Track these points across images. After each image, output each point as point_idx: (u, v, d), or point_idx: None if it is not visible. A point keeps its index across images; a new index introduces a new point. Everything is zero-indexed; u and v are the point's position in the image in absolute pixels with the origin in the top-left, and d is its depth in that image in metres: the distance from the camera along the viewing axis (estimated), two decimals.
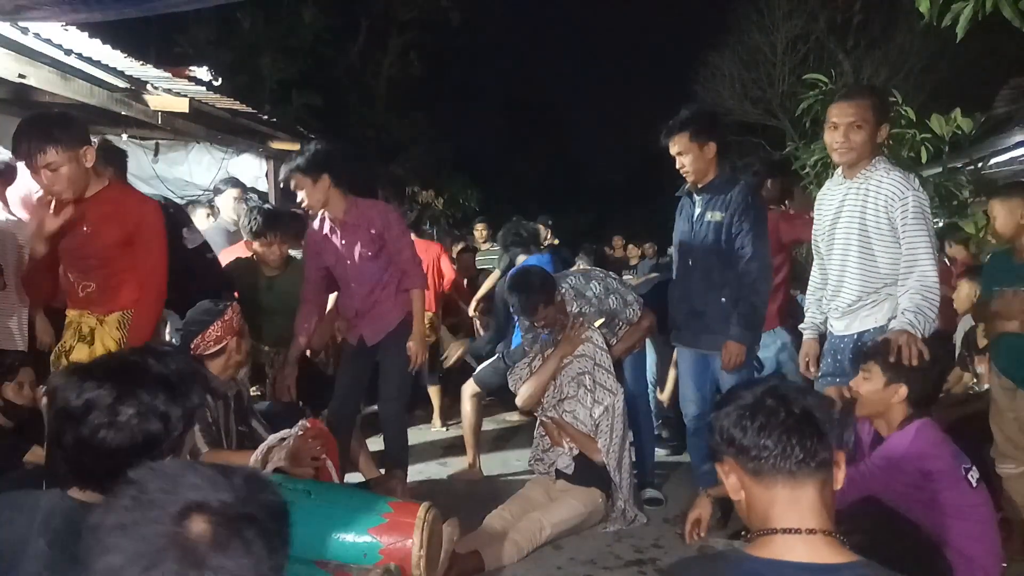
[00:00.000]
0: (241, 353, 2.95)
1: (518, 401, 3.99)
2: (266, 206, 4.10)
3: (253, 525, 0.97)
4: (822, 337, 3.19)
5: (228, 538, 0.95)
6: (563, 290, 3.90)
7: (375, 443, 4.41)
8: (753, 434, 1.29)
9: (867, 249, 2.88)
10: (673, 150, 3.57)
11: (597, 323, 3.88)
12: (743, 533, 3.49)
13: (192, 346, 2.83)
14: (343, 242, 3.68)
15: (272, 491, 1.03)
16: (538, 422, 3.93)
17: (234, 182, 5.03)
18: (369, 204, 3.75)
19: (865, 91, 3.26)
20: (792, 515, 1.27)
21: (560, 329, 3.87)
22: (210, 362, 2.87)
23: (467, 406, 4.51)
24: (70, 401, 1.41)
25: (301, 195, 3.58)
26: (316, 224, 3.75)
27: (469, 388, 4.52)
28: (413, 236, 5.10)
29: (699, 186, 3.61)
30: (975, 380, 4.14)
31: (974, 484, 2.32)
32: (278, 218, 3.86)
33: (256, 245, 3.82)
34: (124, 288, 2.84)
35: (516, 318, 4.38)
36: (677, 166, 3.60)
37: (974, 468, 2.37)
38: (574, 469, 3.71)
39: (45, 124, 2.65)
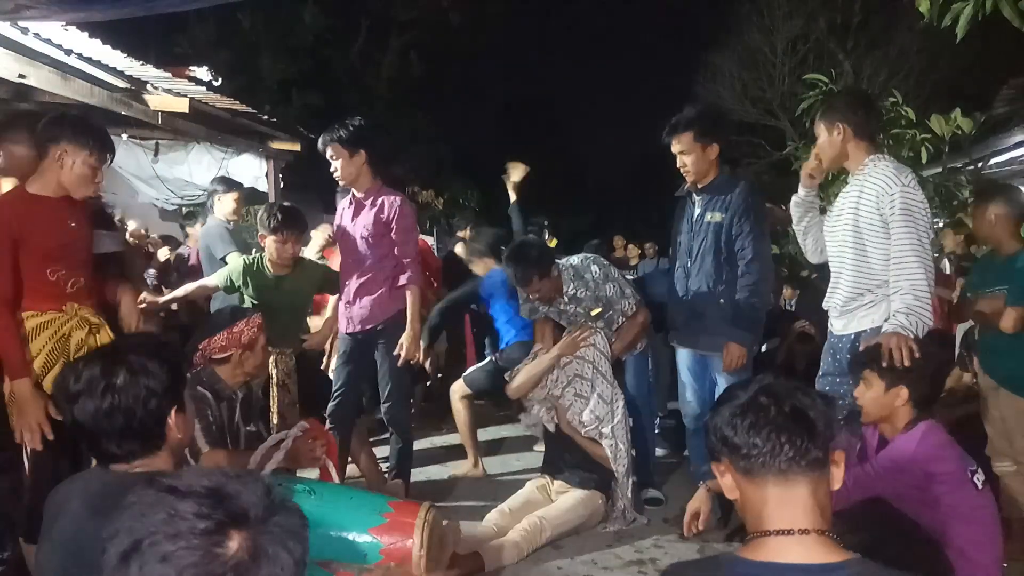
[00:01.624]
0: (247, 366, 2.98)
1: (509, 388, 4.01)
2: (285, 204, 4.11)
3: (278, 538, 0.98)
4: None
5: (259, 553, 0.96)
6: (563, 269, 3.92)
7: (378, 446, 4.42)
8: (743, 432, 1.29)
9: (861, 247, 2.88)
10: (675, 149, 3.54)
11: (595, 312, 3.90)
12: (745, 534, 3.50)
13: (200, 346, 2.92)
14: (354, 218, 3.79)
15: (291, 503, 1.05)
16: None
17: (233, 183, 4.95)
18: (389, 192, 3.80)
19: (835, 98, 3.33)
20: (785, 515, 1.26)
21: (552, 302, 3.95)
22: (218, 366, 2.93)
23: (459, 407, 4.51)
24: (72, 387, 1.61)
25: (335, 165, 3.69)
26: (344, 199, 3.92)
27: (459, 390, 4.53)
28: None
29: (699, 186, 3.59)
30: (975, 380, 4.14)
31: (979, 487, 2.32)
32: (296, 216, 3.88)
33: (271, 240, 3.81)
34: (97, 281, 2.99)
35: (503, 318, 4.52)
36: (678, 165, 3.58)
37: (979, 470, 2.36)
38: (573, 471, 3.73)
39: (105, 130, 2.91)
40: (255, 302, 3.77)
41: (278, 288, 3.85)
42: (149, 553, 0.94)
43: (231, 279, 3.87)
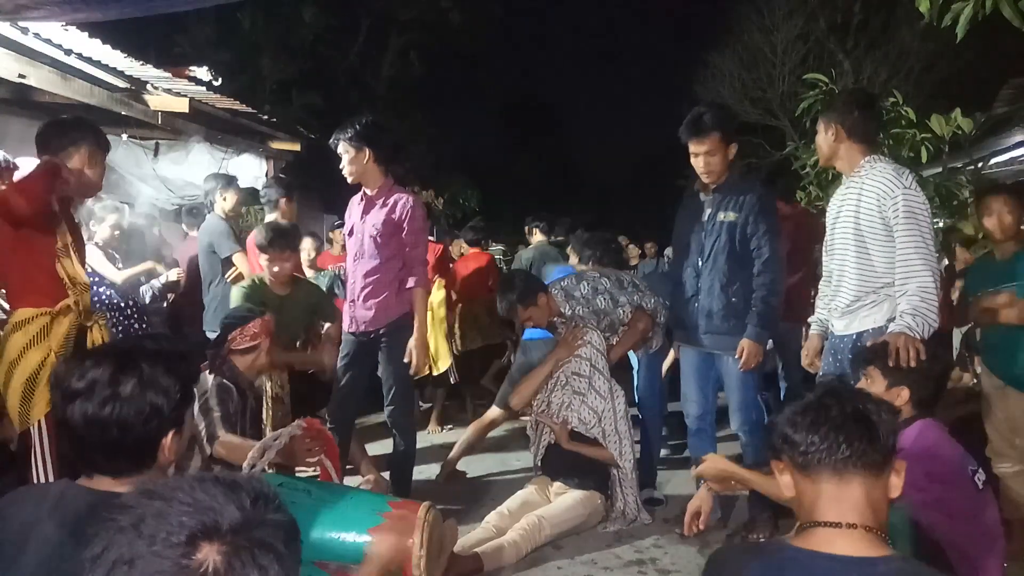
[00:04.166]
0: (266, 358, 3.09)
1: (512, 401, 4.06)
2: (279, 223, 4.10)
3: (266, 550, 0.92)
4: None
5: (243, 567, 0.89)
6: (555, 292, 4.00)
7: (380, 447, 4.41)
8: (803, 429, 1.35)
9: (863, 248, 2.88)
10: (700, 149, 3.45)
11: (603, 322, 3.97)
12: (746, 534, 3.50)
13: (229, 337, 3.01)
14: (364, 216, 3.75)
15: (281, 508, 0.98)
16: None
17: (229, 179, 4.92)
18: (401, 192, 3.77)
19: (836, 97, 3.33)
20: (836, 510, 1.31)
21: (553, 328, 4.03)
22: (239, 358, 3.02)
23: (491, 417, 4.56)
24: (73, 384, 1.44)
25: (344, 160, 3.70)
26: (357, 196, 3.90)
27: (498, 412, 4.57)
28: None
29: (712, 186, 3.55)
30: (975, 380, 4.14)
31: (980, 486, 2.31)
32: (285, 235, 3.82)
33: (263, 259, 3.79)
34: None
35: None
36: (701, 165, 3.49)
37: (981, 470, 2.36)
38: (572, 472, 3.73)
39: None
40: None
41: (282, 308, 3.76)
42: (112, 556, 0.88)
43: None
